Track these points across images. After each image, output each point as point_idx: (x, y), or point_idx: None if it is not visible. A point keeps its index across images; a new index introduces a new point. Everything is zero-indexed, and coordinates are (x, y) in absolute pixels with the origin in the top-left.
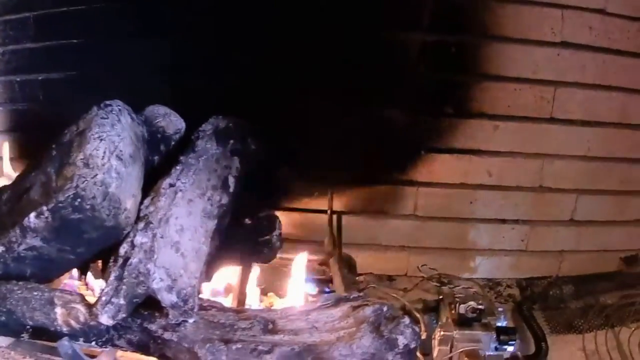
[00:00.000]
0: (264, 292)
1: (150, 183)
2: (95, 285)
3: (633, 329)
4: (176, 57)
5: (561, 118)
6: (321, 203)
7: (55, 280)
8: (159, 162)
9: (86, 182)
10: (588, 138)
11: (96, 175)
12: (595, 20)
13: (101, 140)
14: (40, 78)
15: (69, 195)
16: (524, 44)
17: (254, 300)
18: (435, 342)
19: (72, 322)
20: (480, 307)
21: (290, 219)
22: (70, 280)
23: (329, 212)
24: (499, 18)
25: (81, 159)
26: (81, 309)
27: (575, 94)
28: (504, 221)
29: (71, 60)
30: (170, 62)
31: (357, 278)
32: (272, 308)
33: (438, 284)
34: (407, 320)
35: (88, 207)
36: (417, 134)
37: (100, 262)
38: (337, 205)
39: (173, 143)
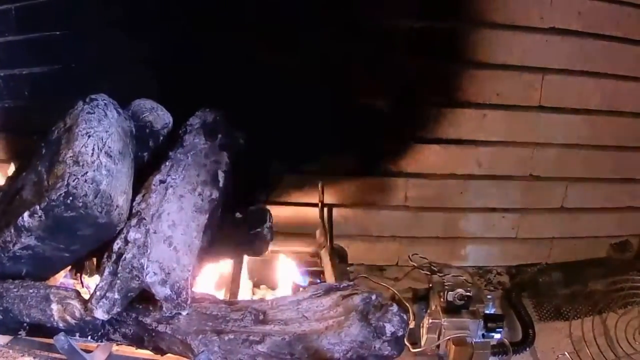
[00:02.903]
0: (256, 285)
1: (140, 179)
2: (91, 283)
3: (620, 314)
4: (162, 49)
5: (550, 106)
6: (312, 196)
7: (51, 279)
8: (148, 158)
9: (77, 179)
10: (578, 126)
11: (86, 172)
12: (585, 6)
13: (89, 136)
14: (24, 72)
15: (61, 194)
16: (512, 30)
17: (246, 293)
18: (423, 330)
19: (68, 318)
20: (468, 293)
21: (282, 212)
22: (66, 279)
23: (319, 204)
24: (486, 4)
25: (70, 156)
26: (77, 304)
27: (564, 81)
28: (494, 210)
29: (55, 53)
30: (157, 54)
31: (348, 269)
32: (263, 299)
33: (428, 273)
34: (395, 308)
35: (80, 204)
36: (405, 124)
37: (95, 260)
38: (328, 197)
39: (162, 138)
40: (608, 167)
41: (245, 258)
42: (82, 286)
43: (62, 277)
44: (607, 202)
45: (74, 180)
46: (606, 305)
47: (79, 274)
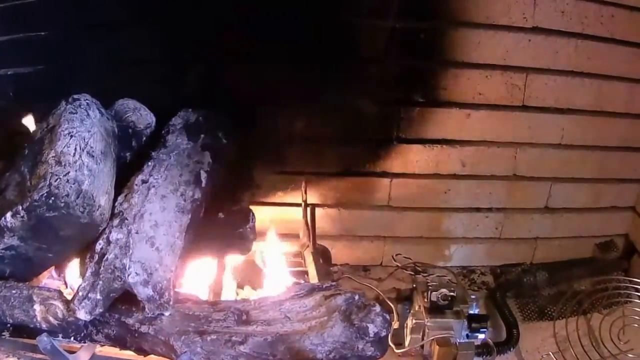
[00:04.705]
0: (239, 286)
1: (123, 179)
2: (74, 283)
3: (604, 314)
4: (146, 49)
5: (534, 105)
6: (295, 196)
7: (35, 279)
8: (131, 158)
9: (59, 180)
10: (562, 126)
11: (68, 172)
12: (568, 4)
13: (71, 136)
14: (9, 73)
15: (43, 194)
16: (494, 29)
17: (229, 293)
18: (407, 331)
19: (51, 319)
20: (451, 294)
21: (265, 212)
22: (50, 279)
23: (303, 204)
24: (468, 3)
25: (53, 156)
26: (59, 305)
27: (548, 81)
28: (478, 209)
29: (40, 54)
30: (141, 54)
31: (332, 269)
32: (246, 299)
33: (412, 273)
34: (377, 308)
35: (62, 205)
36: (387, 124)
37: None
38: (311, 197)
39: (144, 138)
40: (592, 167)
41: (228, 258)
42: (66, 286)
43: (46, 278)
44: (592, 202)
45: (55, 181)
46: (590, 306)
47: (62, 274)
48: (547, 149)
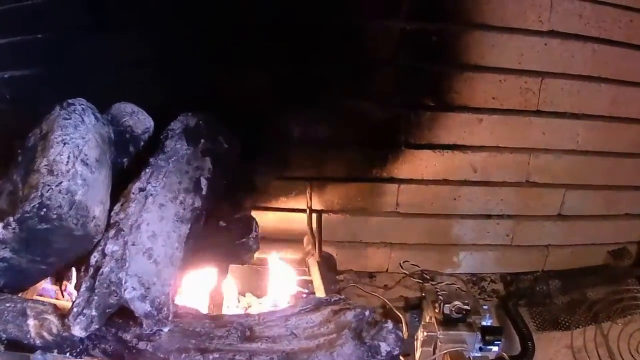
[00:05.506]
0: (241, 293)
1: (120, 187)
2: (73, 291)
3: (621, 325)
4: (146, 51)
5: (548, 110)
6: (300, 201)
7: (32, 288)
8: (128, 165)
9: (51, 190)
10: (577, 131)
11: (61, 182)
12: (586, 8)
13: (64, 144)
14: (6, 76)
15: (35, 205)
16: (509, 32)
17: (231, 302)
18: (418, 343)
19: (45, 334)
20: (466, 307)
21: (269, 218)
22: (48, 284)
23: (307, 210)
24: (482, 5)
25: (45, 165)
26: (54, 320)
27: (563, 86)
28: (489, 216)
29: (38, 57)
30: (140, 57)
31: (337, 277)
32: (249, 314)
33: (420, 281)
34: (389, 325)
35: (54, 216)
36: (396, 128)
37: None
38: (317, 203)
39: (142, 143)
40: (607, 174)
41: (230, 266)
42: (63, 296)
43: (44, 284)
44: (605, 209)
45: (47, 191)
46: (606, 315)
47: (59, 283)
48: (562, 155)
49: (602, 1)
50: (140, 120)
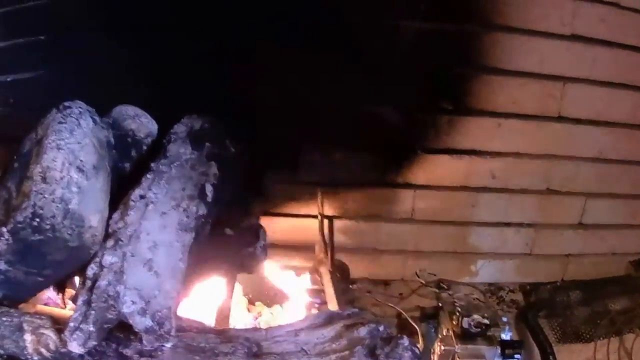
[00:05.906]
0: (251, 302)
1: (121, 193)
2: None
3: None
4: (153, 55)
5: (570, 117)
6: (311, 207)
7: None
8: (130, 170)
9: (44, 199)
10: (599, 139)
11: (54, 190)
12: (610, 13)
13: (59, 149)
14: (9, 79)
15: (27, 215)
16: (530, 35)
17: (240, 311)
18: (435, 357)
19: (43, 350)
20: (485, 321)
21: (278, 224)
22: (53, 293)
23: (319, 216)
24: (503, 6)
25: (39, 172)
26: (51, 335)
27: (585, 91)
28: (508, 225)
29: (41, 59)
30: (147, 61)
31: (350, 285)
32: (257, 327)
33: (436, 290)
34: (405, 341)
35: (48, 227)
36: (412, 133)
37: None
38: (329, 209)
39: (145, 148)
40: (629, 182)
41: (239, 275)
42: (65, 306)
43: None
44: (627, 218)
45: (40, 200)
46: (629, 327)
47: (61, 293)
48: (583, 162)
49: (626, 7)
50: (143, 124)
